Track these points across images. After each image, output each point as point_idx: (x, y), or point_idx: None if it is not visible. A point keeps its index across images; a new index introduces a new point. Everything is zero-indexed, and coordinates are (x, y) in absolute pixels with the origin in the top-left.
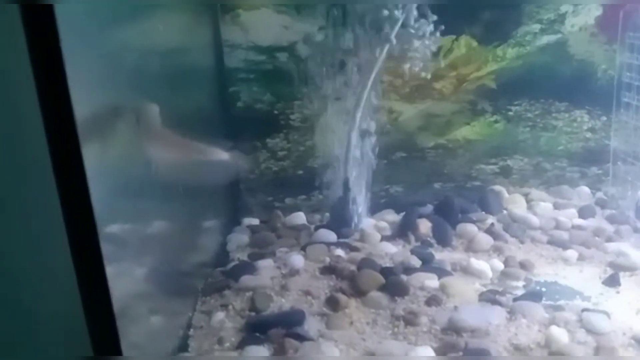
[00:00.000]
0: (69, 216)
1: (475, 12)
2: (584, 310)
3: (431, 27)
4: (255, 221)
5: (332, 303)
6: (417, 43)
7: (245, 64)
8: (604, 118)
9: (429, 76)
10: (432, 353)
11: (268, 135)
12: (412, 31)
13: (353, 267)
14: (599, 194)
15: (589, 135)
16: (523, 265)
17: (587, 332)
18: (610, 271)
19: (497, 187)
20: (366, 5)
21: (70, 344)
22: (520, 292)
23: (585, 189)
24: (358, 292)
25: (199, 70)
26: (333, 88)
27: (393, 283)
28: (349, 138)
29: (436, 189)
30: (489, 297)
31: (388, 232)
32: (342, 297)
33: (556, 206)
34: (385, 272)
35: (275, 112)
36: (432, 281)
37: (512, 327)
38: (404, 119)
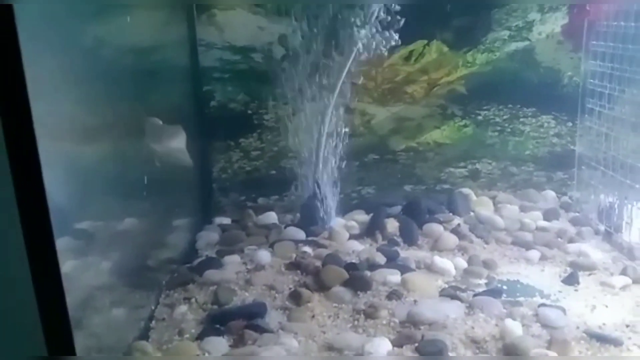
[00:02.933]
0: (25, 216)
1: (447, 18)
2: (540, 305)
3: (396, 37)
4: (227, 220)
5: (295, 297)
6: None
7: (220, 64)
8: (570, 124)
9: (397, 79)
10: (389, 345)
11: (242, 134)
12: (379, 36)
13: (318, 263)
14: (565, 198)
15: (555, 140)
16: (486, 264)
17: (542, 326)
18: (570, 270)
19: (466, 190)
20: (337, 7)
21: (25, 344)
22: (482, 290)
23: (550, 193)
24: (322, 287)
25: (173, 68)
26: (306, 89)
27: (356, 278)
28: (318, 139)
29: (407, 190)
30: (450, 293)
31: (357, 231)
32: (305, 292)
33: (522, 209)
34: (350, 268)
35: (249, 112)
36: (394, 277)
37: (470, 321)
38: (376, 122)
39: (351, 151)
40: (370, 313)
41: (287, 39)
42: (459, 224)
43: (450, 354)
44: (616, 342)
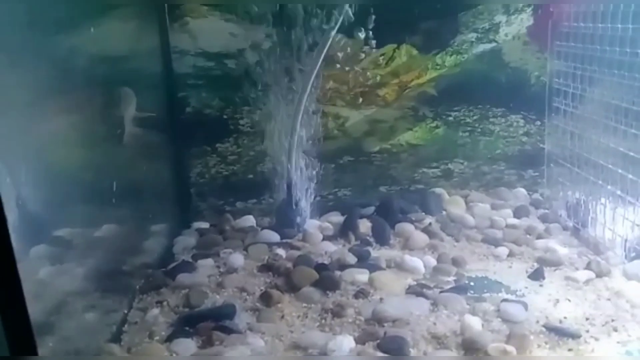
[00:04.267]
0: None
1: (415, 21)
2: (502, 301)
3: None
4: (205, 225)
5: (265, 298)
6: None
7: (194, 70)
8: (538, 122)
9: (369, 82)
10: (352, 342)
11: (218, 140)
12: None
13: (289, 265)
14: (535, 195)
15: (524, 139)
16: (455, 262)
17: (503, 321)
18: (537, 266)
19: (439, 190)
20: (307, 10)
21: None
22: (449, 287)
23: (521, 191)
24: (292, 288)
25: (147, 75)
26: (279, 93)
27: (326, 278)
28: (290, 142)
29: (382, 191)
30: (416, 290)
31: (331, 232)
32: (275, 293)
33: (493, 207)
34: (320, 268)
35: (225, 117)
36: (362, 276)
37: (433, 317)
38: (350, 125)
39: (326, 154)
40: (337, 312)
41: (259, 45)
42: (430, 223)
43: (412, 350)
44: (574, 335)
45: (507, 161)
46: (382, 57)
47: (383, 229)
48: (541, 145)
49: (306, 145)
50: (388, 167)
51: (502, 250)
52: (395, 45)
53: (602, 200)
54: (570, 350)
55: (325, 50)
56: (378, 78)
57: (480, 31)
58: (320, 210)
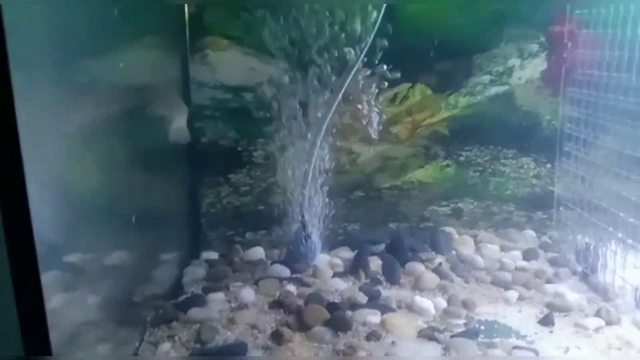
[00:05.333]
0: (7, 223)
1: (430, 62)
2: (514, 347)
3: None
4: (214, 255)
5: (277, 337)
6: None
7: (211, 102)
8: (549, 165)
9: (382, 119)
10: None
11: (231, 170)
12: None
13: (301, 302)
14: (544, 238)
15: (534, 181)
16: (465, 304)
17: None
18: (546, 312)
19: (448, 229)
20: (326, 49)
21: (1, 344)
22: (460, 330)
23: (530, 232)
24: (303, 327)
25: (166, 105)
26: (294, 128)
27: (337, 318)
28: (305, 176)
29: (391, 228)
30: (428, 334)
31: (341, 269)
32: (286, 331)
33: (502, 248)
34: (331, 307)
35: (239, 148)
36: (374, 317)
37: None
38: (362, 160)
39: (338, 188)
40: (349, 354)
41: (276, 80)
42: (440, 263)
43: None
44: None
45: (516, 202)
46: (396, 95)
47: (393, 267)
48: (550, 188)
49: (319, 179)
50: (398, 204)
51: (512, 294)
52: (409, 85)
53: (612, 246)
54: None
55: (343, 89)
56: (391, 116)
57: (494, 74)
58: (330, 244)
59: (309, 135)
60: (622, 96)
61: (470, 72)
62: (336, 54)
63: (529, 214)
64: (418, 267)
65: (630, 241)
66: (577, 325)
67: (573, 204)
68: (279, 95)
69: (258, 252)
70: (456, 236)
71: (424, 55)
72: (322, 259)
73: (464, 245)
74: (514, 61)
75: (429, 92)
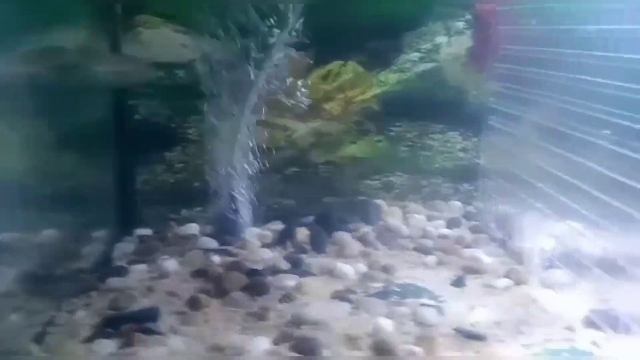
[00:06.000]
0: None
1: (362, 40)
2: (421, 305)
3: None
4: (148, 231)
5: (193, 303)
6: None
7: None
8: (475, 139)
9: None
10: (267, 343)
11: (166, 148)
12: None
13: (222, 271)
14: (469, 208)
15: (461, 154)
16: (385, 269)
17: (416, 324)
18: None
19: (379, 201)
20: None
21: None
22: (375, 292)
23: (456, 203)
24: (222, 293)
25: (97, 82)
26: (226, 104)
27: (255, 283)
28: (232, 152)
29: (326, 202)
30: (340, 295)
31: (269, 241)
32: (203, 297)
33: (429, 218)
34: (251, 273)
35: (173, 125)
36: (291, 281)
37: (351, 321)
38: (297, 136)
39: (273, 164)
40: (261, 315)
41: (208, 56)
42: (366, 232)
43: (325, 350)
44: (480, 338)
45: (444, 175)
46: (329, 72)
47: (320, 237)
48: (477, 161)
49: (250, 155)
50: (333, 179)
51: (431, 259)
52: (341, 62)
53: (530, 215)
54: (477, 352)
55: (271, 63)
56: (324, 93)
57: (422, 51)
58: (264, 218)
59: (237, 112)
60: (543, 70)
61: (400, 49)
62: (263, 31)
63: (456, 185)
64: (344, 236)
65: (542, 207)
66: (486, 285)
67: (497, 175)
68: (211, 73)
69: (192, 228)
70: (385, 208)
71: (356, 33)
72: (252, 232)
73: (392, 215)
74: (442, 39)
75: (360, 69)
